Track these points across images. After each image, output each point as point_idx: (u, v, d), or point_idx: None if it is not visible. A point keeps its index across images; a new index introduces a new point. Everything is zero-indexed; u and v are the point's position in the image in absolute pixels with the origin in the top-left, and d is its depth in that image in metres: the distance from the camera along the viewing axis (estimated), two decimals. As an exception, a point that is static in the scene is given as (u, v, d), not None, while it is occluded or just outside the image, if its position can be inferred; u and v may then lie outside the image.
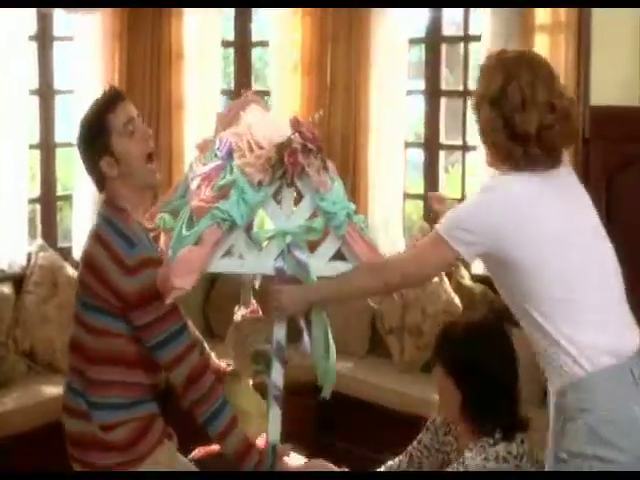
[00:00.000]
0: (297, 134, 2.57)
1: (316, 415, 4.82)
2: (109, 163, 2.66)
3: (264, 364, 2.86)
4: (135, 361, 2.67)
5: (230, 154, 2.64)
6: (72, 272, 4.74)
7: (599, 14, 4.23)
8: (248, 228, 2.64)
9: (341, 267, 2.70)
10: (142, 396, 2.70)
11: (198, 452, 2.99)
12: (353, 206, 2.70)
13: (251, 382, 3.00)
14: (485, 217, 2.43)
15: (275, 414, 2.73)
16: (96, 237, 2.67)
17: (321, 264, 2.67)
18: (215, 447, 2.88)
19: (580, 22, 4.36)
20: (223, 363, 3.05)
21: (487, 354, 2.46)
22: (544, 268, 2.40)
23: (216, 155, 2.71)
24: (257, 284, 2.99)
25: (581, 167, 4.35)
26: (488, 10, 4.70)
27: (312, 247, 2.69)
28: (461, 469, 2.37)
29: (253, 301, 3.05)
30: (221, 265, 2.62)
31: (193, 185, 2.71)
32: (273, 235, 2.62)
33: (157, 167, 2.75)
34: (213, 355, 3.03)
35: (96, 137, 2.66)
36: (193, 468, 2.84)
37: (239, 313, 3.03)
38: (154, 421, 2.72)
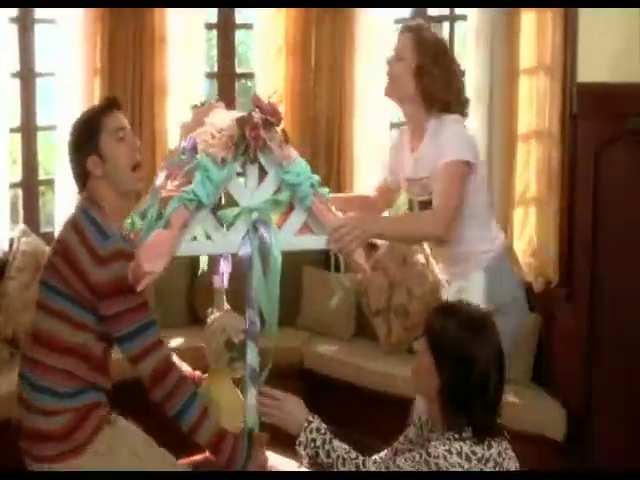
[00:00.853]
0: (257, 109, 2.56)
1: (302, 398, 4.78)
2: (95, 162, 2.74)
3: (238, 350, 2.86)
4: (92, 358, 2.71)
5: (194, 148, 2.66)
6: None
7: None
8: (214, 209, 2.62)
9: (309, 240, 2.71)
10: (85, 386, 2.71)
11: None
12: (317, 177, 2.69)
13: (230, 379, 3.00)
14: (473, 139, 3.22)
15: (251, 397, 2.70)
16: (72, 225, 2.72)
17: (289, 238, 2.67)
18: (199, 457, 2.91)
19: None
20: (198, 372, 3.08)
21: (478, 350, 2.38)
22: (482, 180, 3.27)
23: (181, 160, 2.75)
24: (226, 284, 3.04)
25: (569, 143, 4.42)
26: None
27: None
28: (424, 455, 2.33)
29: (226, 304, 3.08)
30: (190, 248, 2.61)
31: (158, 182, 2.76)
32: (239, 213, 2.60)
33: (141, 176, 2.84)
34: (185, 365, 3.02)
35: (87, 136, 2.76)
36: (153, 443, 2.83)
37: (212, 316, 3.04)
38: (93, 410, 2.72)
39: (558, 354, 4.53)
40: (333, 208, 2.74)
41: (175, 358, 2.85)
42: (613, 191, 4.29)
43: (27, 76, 5.02)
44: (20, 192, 5.12)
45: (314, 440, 2.52)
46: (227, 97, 5.34)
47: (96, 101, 4.90)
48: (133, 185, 2.81)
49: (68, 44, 4.97)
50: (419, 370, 2.48)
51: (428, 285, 4.87)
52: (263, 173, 2.63)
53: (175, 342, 5.00)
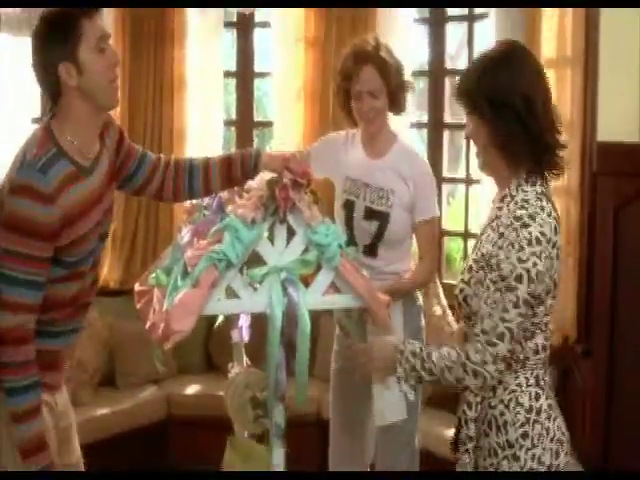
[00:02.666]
0: (286, 170, 2.57)
1: (318, 448, 4.74)
2: (69, 70, 2.34)
3: (263, 408, 2.80)
4: None
5: (220, 207, 2.66)
6: None
7: (606, 49, 4.24)
8: (242, 268, 2.60)
9: (337, 299, 2.68)
10: None
11: None
12: (344, 238, 2.70)
13: (246, 434, 2.94)
14: None
15: (278, 457, 2.65)
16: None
17: (317, 297, 2.64)
18: None
19: (587, 57, 4.34)
20: None
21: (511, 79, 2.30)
22: None
23: (204, 215, 2.73)
24: (246, 338, 3.02)
25: (589, 201, 4.39)
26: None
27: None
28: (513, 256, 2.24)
29: (246, 358, 3.05)
30: (218, 307, 2.58)
31: (184, 240, 2.72)
32: (267, 272, 2.58)
33: (116, 87, 2.49)
34: None
35: (61, 38, 2.33)
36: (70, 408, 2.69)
37: (233, 371, 3.01)
38: None
39: (575, 411, 4.45)
40: (364, 272, 2.72)
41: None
42: (632, 247, 4.27)
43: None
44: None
45: (413, 367, 2.37)
46: (245, 145, 5.36)
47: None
48: (111, 100, 2.47)
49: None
50: (474, 139, 2.43)
51: (445, 337, 4.83)
52: (291, 233, 2.61)
53: (192, 389, 5.05)
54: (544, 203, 2.33)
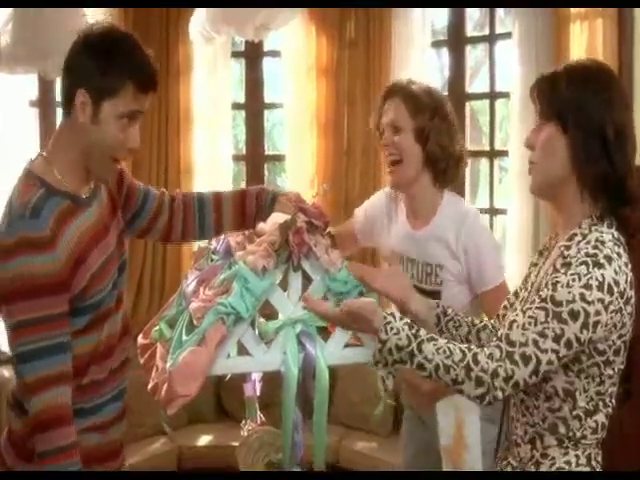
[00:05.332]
0: (300, 212, 2.35)
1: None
2: (85, 103, 2.07)
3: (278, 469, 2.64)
4: None
5: (228, 251, 2.47)
6: None
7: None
8: (253, 321, 2.41)
9: (357, 353, 2.45)
10: None
11: None
12: None
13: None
14: None
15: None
16: None
17: (337, 352, 2.44)
18: None
19: (621, 76, 4.09)
20: None
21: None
22: None
23: (212, 260, 2.53)
24: (258, 391, 2.80)
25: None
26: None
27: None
28: (549, 306, 1.91)
29: (260, 414, 2.83)
30: (228, 365, 2.37)
31: (189, 289, 2.50)
32: (281, 326, 2.38)
33: (117, 168, 2.25)
34: None
35: (101, 70, 2.06)
36: None
37: (246, 428, 2.80)
38: None
39: (614, 460, 4.20)
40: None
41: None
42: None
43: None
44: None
45: (397, 361, 1.97)
46: (256, 180, 5.23)
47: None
48: (103, 175, 2.19)
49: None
50: (545, 149, 2.05)
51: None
52: (307, 280, 2.40)
53: (204, 440, 4.90)
54: (621, 250, 1.99)
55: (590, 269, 1.91)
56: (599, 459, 2.07)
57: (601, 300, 1.89)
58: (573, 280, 1.90)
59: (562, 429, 2.01)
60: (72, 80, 2.09)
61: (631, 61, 4.12)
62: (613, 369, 2.00)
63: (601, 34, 4.14)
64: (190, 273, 2.67)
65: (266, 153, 5.60)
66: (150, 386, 2.36)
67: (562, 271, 1.94)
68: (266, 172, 5.64)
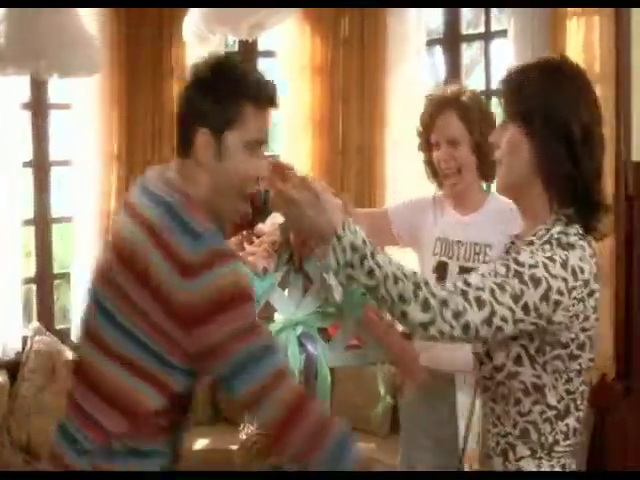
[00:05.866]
0: None
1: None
2: (207, 142, 1.96)
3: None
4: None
5: None
6: (70, 356, 4.56)
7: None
8: None
9: (362, 354, 2.46)
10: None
11: None
12: None
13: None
14: None
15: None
16: (142, 220, 1.95)
17: (339, 353, 2.43)
18: None
19: (618, 73, 4.16)
20: None
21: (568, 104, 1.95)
22: None
23: None
24: None
25: (625, 226, 4.23)
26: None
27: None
28: (512, 265, 1.86)
29: None
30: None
31: None
32: (282, 328, 2.36)
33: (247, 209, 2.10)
34: None
35: (215, 99, 1.96)
36: None
37: (245, 431, 2.86)
38: None
39: (613, 450, 4.30)
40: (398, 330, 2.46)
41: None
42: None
43: (41, 164, 4.87)
44: (34, 287, 4.96)
45: (348, 263, 1.85)
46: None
47: (114, 188, 4.74)
48: (233, 213, 2.07)
49: (84, 129, 4.85)
50: (510, 149, 2.00)
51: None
52: (308, 282, 2.38)
53: (200, 444, 4.83)
54: (586, 244, 1.95)
55: (554, 248, 1.89)
56: (574, 467, 2.02)
57: (564, 279, 1.85)
58: (537, 251, 1.88)
59: (534, 435, 1.96)
60: (190, 121, 1.98)
61: (628, 58, 4.12)
62: (580, 364, 1.95)
63: (598, 31, 4.14)
64: None
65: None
66: None
67: (526, 249, 1.92)
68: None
